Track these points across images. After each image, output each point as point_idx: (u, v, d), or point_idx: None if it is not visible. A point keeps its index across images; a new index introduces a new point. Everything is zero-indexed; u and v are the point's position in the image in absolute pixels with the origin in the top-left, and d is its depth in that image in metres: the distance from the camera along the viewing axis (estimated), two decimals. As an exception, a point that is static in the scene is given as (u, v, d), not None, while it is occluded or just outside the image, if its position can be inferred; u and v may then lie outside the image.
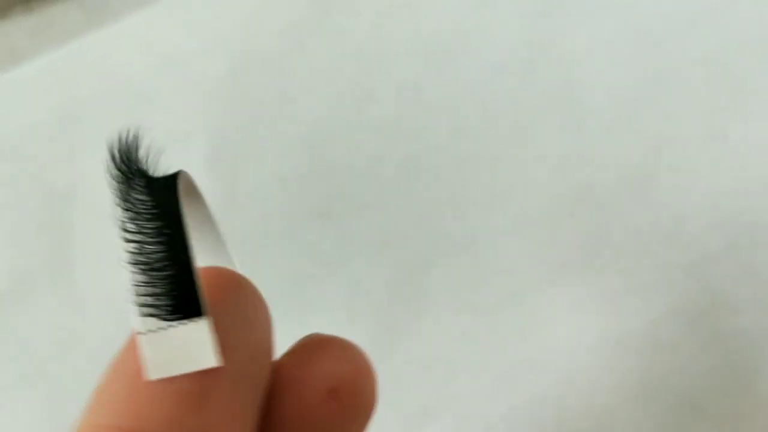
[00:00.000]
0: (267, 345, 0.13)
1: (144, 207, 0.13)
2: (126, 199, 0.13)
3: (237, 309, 0.13)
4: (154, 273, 0.12)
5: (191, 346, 0.12)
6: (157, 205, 0.13)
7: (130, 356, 0.12)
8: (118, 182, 0.13)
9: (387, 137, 0.28)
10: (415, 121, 0.28)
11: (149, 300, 0.12)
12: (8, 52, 0.29)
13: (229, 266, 0.15)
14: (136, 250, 0.12)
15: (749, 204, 0.27)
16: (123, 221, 0.13)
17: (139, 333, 0.12)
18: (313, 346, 0.14)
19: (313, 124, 0.28)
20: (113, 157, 0.13)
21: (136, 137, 0.14)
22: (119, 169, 0.13)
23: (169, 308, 0.12)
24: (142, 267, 0.12)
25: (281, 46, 0.29)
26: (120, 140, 0.14)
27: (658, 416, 0.25)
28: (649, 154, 0.28)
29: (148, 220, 0.13)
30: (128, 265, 0.12)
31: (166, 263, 0.12)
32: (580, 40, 0.29)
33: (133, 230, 0.13)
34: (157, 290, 0.12)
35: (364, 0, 0.29)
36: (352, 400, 0.13)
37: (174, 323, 0.12)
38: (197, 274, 0.12)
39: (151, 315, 0.12)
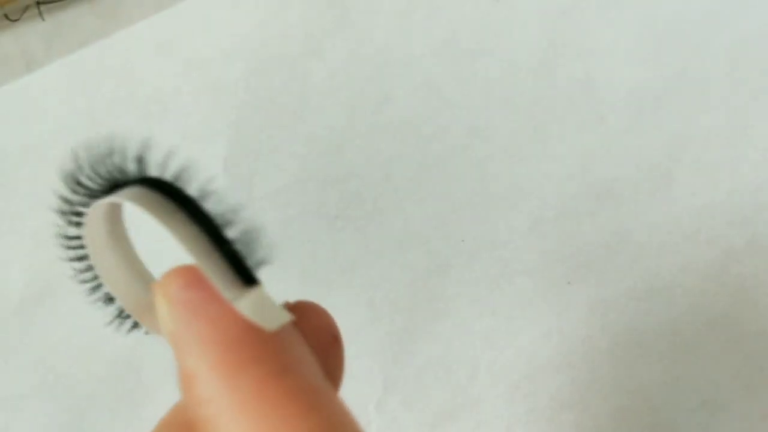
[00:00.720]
0: None
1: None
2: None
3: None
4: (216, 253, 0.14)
5: (266, 308, 0.14)
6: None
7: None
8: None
9: (405, 139, 0.28)
10: (433, 121, 0.28)
11: (227, 273, 0.14)
12: (21, 57, 0.29)
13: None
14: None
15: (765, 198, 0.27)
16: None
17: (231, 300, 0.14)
18: (307, 309, 0.17)
19: (331, 127, 0.28)
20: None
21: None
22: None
23: (233, 280, 0.14)
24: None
25: (299, 49, 0.28)
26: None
27: (680, 417, 0.25)
28: (671, 151, 0.28)
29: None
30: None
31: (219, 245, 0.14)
32: (599, 37, 0.28)
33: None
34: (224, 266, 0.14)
35: (382, 0, 0.28)
36: (341, 343, 0.17)
37: (239, 294, 0.14)
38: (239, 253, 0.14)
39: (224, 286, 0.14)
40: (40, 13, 0.29)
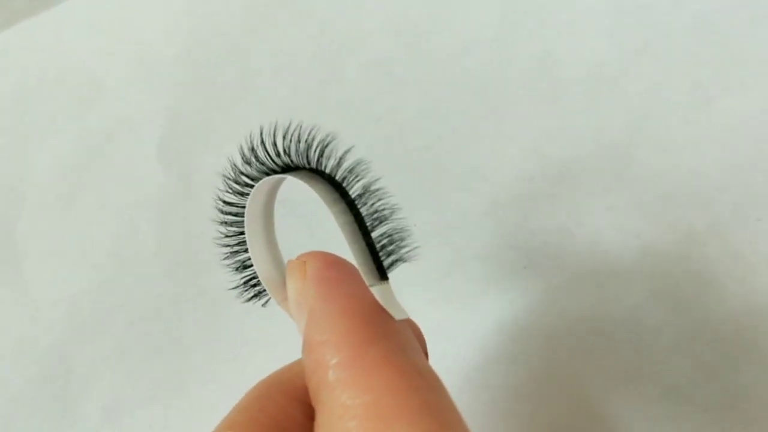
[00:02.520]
0: None
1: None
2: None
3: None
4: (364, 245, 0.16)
5: (394, 301, 0.16)
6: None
7: None
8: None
9: (353, 119, 0.26)
10: (383, 101, 0.26)
11: (368, 263, 0.16)
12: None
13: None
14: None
15: (734, 180, 0.26)
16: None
17: (371, 286, 0.16)
18: (410, 321, 0.18)
19: (275, 108, 0.26)
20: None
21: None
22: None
23: (371, 270, 0.16)
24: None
25: (242, 25, 0.27)
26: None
27: (642, 404, 0.24)
28: (630, 130, 0.26)
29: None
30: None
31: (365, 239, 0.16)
32: (557, 11, 0.27)
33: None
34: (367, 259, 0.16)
35: (324, -27, 0.27)
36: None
37: (375, 283, 0.16)
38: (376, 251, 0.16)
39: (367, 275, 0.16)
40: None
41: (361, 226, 0.16)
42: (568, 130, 0.26)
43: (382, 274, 0.16)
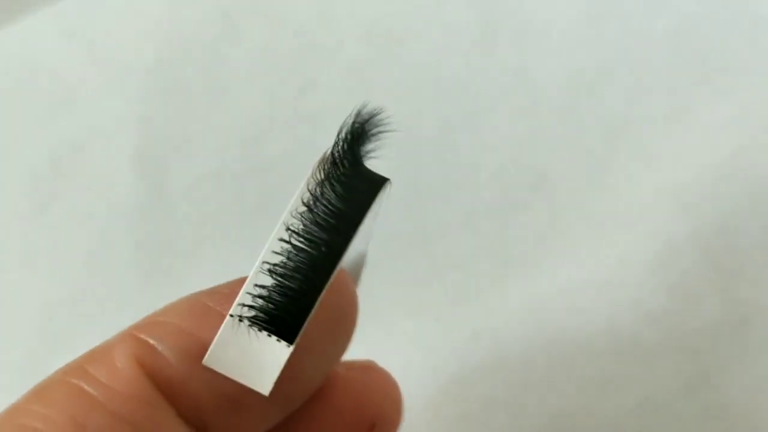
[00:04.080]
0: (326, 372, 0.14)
1: (326, 210, 0.12)
2: (320, 189, 0.12)
3: (330, 343, 0.13)
4: (284, 278, 0.11)
5: (258, 363, 0.11)
6: (339, 212, 0.12)
7: None
8: (331, 162, 0.12)
9: (327, 128, 0.26)
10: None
11: (260, 294, 0.11)
12: None
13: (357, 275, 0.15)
14: (286, 250, 0.12)
15: (714, 190, 0.26)
16: (297, 212, 0.12)
17: (230, 315, 0.11)
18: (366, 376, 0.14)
19: (249, 116, 0.26)
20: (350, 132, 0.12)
21: (374, 117, 0.12)
22: (345, 146, 0.12)
23: (271, 317, 0.11)
24: (278, 269, 0.12)
25: (214, 32, 0.27)
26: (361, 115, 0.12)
27: (619, 417, 0.24)
28: (608, 139, 0.26)
29: (318, 225, 0.12)
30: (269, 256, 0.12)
31: (302, 278, 0.11)
32: (533, 18, 0.27)
33: (297, 228, 0.12)
34: (274, 293, 0.11)
35: (300, -20, 0.27)
36: None
37: (263, 333, 0.11)
38: (317, 304, 0.11)
39: (252, 309, 0.11)
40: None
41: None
42: (545, 139, 0.26)
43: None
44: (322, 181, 0.12)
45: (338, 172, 0.12)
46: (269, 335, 0.11)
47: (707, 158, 0.26)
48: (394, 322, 0.25)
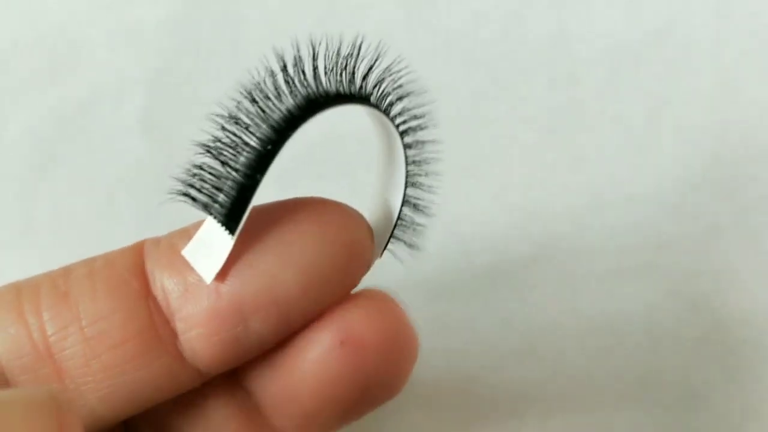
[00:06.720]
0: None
1: (272, 107, 0.13)
2: (270, 89, 0.14)
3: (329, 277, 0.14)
4: (228, 169, 0.13)
5: (211, 255, 0.13)
6: (289, 116, 0.13)
7: None
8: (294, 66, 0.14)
9: (352, 94, 0.24)
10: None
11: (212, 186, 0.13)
12: None
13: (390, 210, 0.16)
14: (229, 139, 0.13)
15: (761, 168, 0.24)
16: (241, 105, 0.14)
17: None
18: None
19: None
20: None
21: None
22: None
23: (221, 207, 0.13)
24: (222, 155, 0.13)
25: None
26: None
27: (657, 413, 0.23)
28: (650, 114, 0.25)
29: (265, 122, 0.13)
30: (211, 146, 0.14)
31: (243, 170, 0.13)
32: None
33: (244, 122, 0.13)
34: (223, 185, 0.13)
35: (326, -66, 0.25)
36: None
37: (219, 227, 0.13)
38: (251, 200, 0.13)
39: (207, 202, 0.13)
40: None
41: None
42: (583, 113, 0.25)
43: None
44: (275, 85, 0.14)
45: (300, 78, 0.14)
46: (220, 226, 0.13)
47: (752, 137, 0.25)
48: (417, 308, 0.24)
